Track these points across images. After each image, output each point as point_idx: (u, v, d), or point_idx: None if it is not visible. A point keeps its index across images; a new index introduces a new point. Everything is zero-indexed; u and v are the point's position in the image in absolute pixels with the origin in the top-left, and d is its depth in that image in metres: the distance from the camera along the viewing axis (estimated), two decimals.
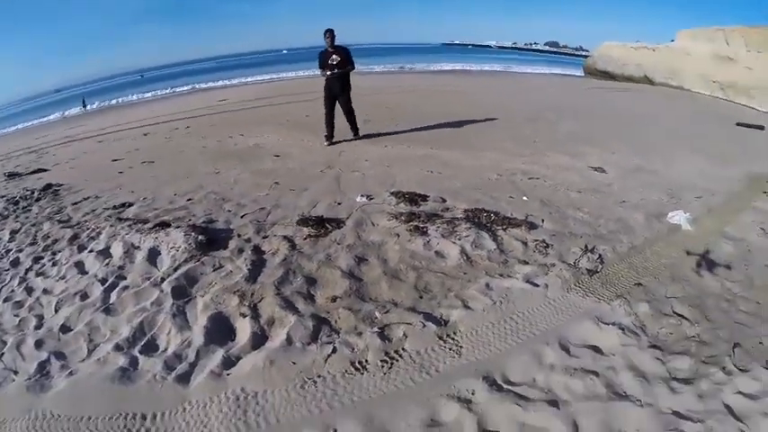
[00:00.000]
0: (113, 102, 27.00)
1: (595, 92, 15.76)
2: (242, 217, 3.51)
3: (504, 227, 3.14)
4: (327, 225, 3.15)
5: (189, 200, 4.07)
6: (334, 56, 5.87)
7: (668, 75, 21.23)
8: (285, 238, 3.04)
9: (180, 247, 2.96)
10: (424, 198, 3.68)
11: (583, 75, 28.96)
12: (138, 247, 3.09)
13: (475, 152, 5.59)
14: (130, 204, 4.10)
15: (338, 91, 6.05)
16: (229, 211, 3.68)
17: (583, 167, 5.14)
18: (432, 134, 6.68)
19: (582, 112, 9.88)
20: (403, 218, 3.18)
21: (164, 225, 3.40)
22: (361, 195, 3.72)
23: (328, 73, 5.86)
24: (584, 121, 8.63)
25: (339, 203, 3.63)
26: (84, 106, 26.19)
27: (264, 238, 3.09)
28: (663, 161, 5.68)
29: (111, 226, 3.51)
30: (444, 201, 3.67)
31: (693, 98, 16.65)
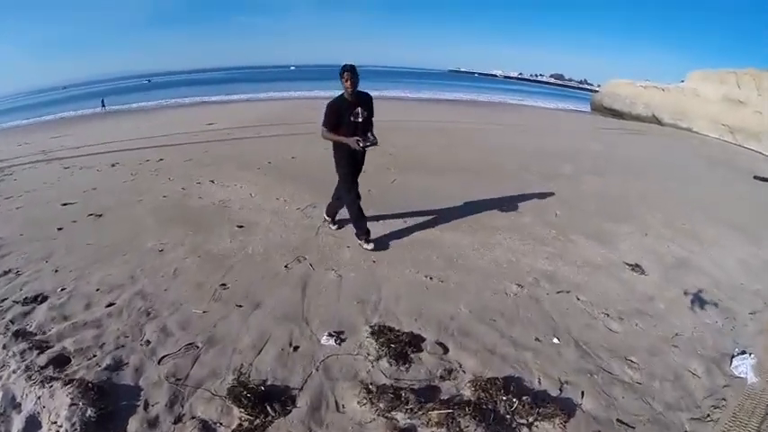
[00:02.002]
0: (115, 107, 26.79)
1: (607, 134, 14.98)
2: (160, 361, 2.45)
3: (531, 419, 2.10)
4: (269, 408, 2.08)
5: (109, 306, 3.05)
6: (359, 109, 3.71)
7: (677, 116, 20.79)
8: (204, 427, 1.99)
9: (61, 426, 1.98)
10: (418, 345, 2.61)
11: (589, 111, 28.59)
12: (19, 405, 2.18)
13: (486, 235, 4.55)
14: (43, 299, 3.16)
15: (359, 164, 4.05)
16: (149, 342, 2.63)
17: (618, 264, 4.18)
18: (434, 201, 5.58)
19: (599, 163, 8.99)
20: (382, 403, 2.10)
21: (61, 363, 2.48)
22: (329, 335, 2.65)
23: (361, 145, 3.62)
24: (605, 177, 7.73)
25: (296, 348, 2.57)
26: (104, 106, 26.75)
27: (177, 422, 2.03)
28: (698, 243, 4.91)
29: (4, 347, 2.60)
30: (446, 350, 2.61)
31: (704, 142, 16.10)
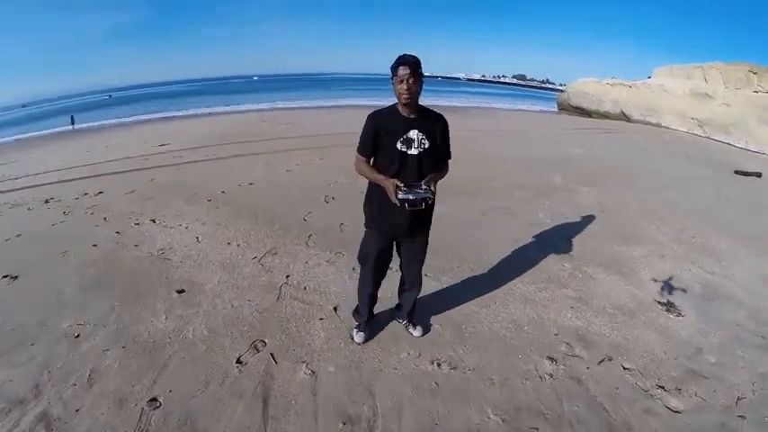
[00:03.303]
0: (75, 126, 24.91)
1: (582, 135, 14.65)
2: None
3: None
4: None
5: None
6: (415, 133, 2.21)
7: (646, 112, 20.94)
8: None
9: None
10: None
11: (556, 111, 28.66)
12: None
13: (494, 280, 3.73)
14: None
15: (405, 230, 2.41)
16: None
17: (650, 305, 3.52)
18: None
19: (587, 171, 8.45)
20: None
21: None
22: None
23: (400, 196, 2.08)
24: (598, 188, 7.16)
25: None
26: (73, 124, 25.12)
27: None
28: (716, 261, 4.49)
29: None
30: None
31: (676, 137, 16.17)
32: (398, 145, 2.21)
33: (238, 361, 2.61)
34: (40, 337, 2.94)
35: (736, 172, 9.68)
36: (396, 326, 2.99)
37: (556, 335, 2.99)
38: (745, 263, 4.51)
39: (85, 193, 6.94)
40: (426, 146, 2.23)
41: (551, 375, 2.57)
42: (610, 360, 2.77)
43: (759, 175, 9.52)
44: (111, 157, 10.46)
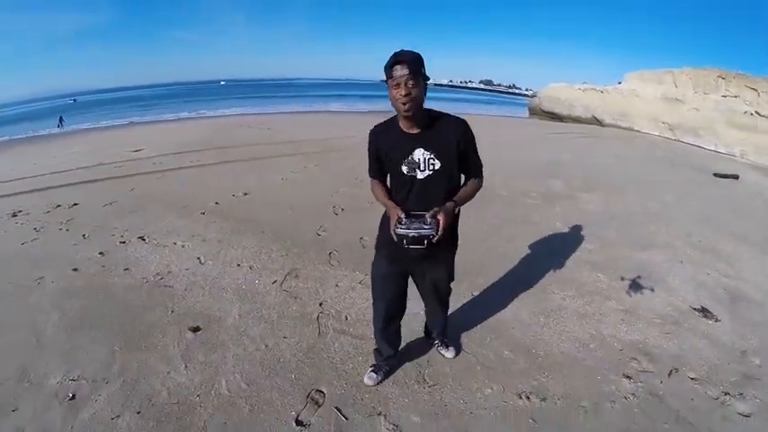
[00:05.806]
0: (31, 134, 23.28)
1: (563, 140, 14.86)
2: None
3: None
4: None
5: None
6: (420, 153, 1.78)
7: (618, 116, 21.57)
8: None
9: None
10: None
11: (527, 116, 29.09)
12: None
13: (540, 297, 3.52)
14: None
15: (415, 261, 2.01)
16: None
17: (688, 313, 3.48)
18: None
19: (582, 176, 8.42)
20: None
21: None
22: None
23: (398, 231, 1.68)
24: (598, 193, 7.13)
25: None
26: (61, 124, 24.43)
27: None
28: (727, 264, 4.56)
29: None
30: None
31: (651, 142, 16.72)
32: (403, 169, 1.82)
33: (298, 422, 2.16)
34: (24, 398, 2.31)
35: (715, 174, 10.03)
36: (463, 356, 2.71)
37: (620, 350, 2.85)
38: (750, 264, 4.60)
39: (58, 205, 6.25)
40: (437, 167, 1.79)
41: (634, 395, 2.43)
42: (677, 371, 2.68)
43: (736, 177, 9.95)
44: (83, 163, 9.59)
